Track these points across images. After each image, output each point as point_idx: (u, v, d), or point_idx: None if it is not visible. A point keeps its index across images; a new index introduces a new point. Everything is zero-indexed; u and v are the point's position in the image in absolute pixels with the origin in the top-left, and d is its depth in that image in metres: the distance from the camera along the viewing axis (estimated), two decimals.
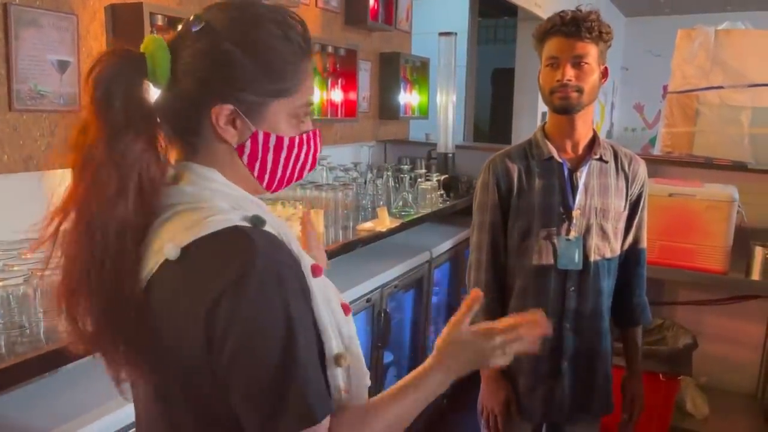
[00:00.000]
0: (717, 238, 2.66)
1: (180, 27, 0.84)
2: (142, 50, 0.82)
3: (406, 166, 3.09)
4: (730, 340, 2.93)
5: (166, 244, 0.78)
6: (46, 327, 1.36)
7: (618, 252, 1.74)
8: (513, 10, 6.34)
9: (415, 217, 2.79)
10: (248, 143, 0.85)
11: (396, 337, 2.79)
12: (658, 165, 3.17)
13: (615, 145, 1.78)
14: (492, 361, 0.98)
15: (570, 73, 1.58)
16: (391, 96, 3.36)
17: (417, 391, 0.90)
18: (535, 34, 1.66)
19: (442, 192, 3.12)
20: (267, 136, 0.85)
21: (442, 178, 3.12)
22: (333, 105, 2.87)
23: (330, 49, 2.79)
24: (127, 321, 0.80)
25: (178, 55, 0.82)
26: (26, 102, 1.62)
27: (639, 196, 1.77)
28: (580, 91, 1.59)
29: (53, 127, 1.70)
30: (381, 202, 2.81)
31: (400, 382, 0.92)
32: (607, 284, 1.74)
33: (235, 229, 0.79)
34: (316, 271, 0.84)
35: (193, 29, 0.82)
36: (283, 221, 0.90)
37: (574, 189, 1.69)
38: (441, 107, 3.34)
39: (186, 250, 0.78)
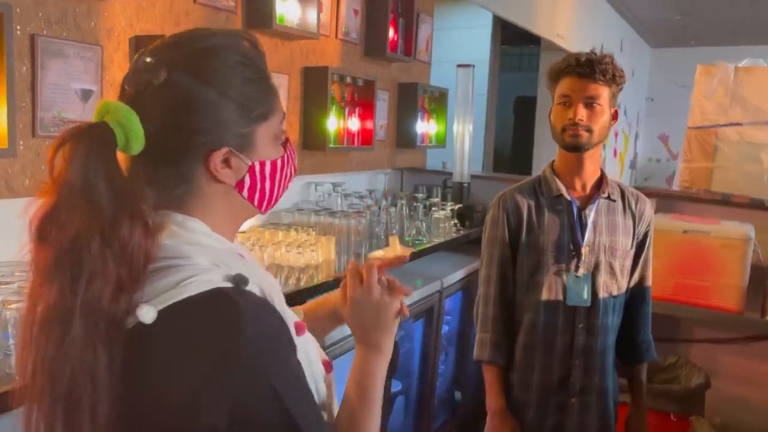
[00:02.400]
0: (732, 277, 2.64)
1: (132, 80, 0.79)
2: (102, 119, 0.75)
3: (420, 195, 3.11)
4: (746, 380, 2.88)
5: (141, 305, 0.71)
6: None
7: (624, 289, 1.78)
8: (537, 39, 6.40)
9: (426, 246, 2.81)
10: (247, 177, 0.83)
11: (405, 366, 2.79)
12: (675, 201, 3.16)
13: (622, 185, 1.83)
14: (388, 311, 0.96)
15: (582, 112, 1.63)
16: (408, 125, 3.40)
17: (375, 392, 0.93)
18: (549, 72, 1.72)
19: (456, 221, 3.13)
20: (262, 165, 0.84)
21: (456, 207, 3.14)
22: (350, 133, 2.91)
23: (348, 80, 2.84)
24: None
25: (147, 114, 0.75)
26: (49, 129, 1.69)
27: (645, 235, 1.81)
28: (590, 130, 1.65)
29: None
30: (394, 231, 2.84)
31: (354, 395, 0.92)
32: (614, 321, 1.78)
33: (217, 293, 0.73)
34: (299, 329, 0.84)
35: (155, 82, 0.77)
36: (266, 274, 0.88)
37: (582, 226, 1.72)
38: (457, 137, 3.37)
39: (163, 314, 0.71)
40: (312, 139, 2.69)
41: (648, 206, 1.82)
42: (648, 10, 8.61)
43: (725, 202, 3.03)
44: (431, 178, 3.66)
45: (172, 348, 0.71)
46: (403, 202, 3.00)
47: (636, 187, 3.30)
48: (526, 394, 1.77)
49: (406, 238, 2.88)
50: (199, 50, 0.80)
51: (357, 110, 2.94)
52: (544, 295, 1.72)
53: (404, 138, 3.41)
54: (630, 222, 1.78)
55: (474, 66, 3.36)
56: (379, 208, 2.87)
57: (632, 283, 1.82)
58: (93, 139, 0.72)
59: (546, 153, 6.91)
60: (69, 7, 1.71)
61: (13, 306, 1.38)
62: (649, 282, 1.86)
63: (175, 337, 0.71)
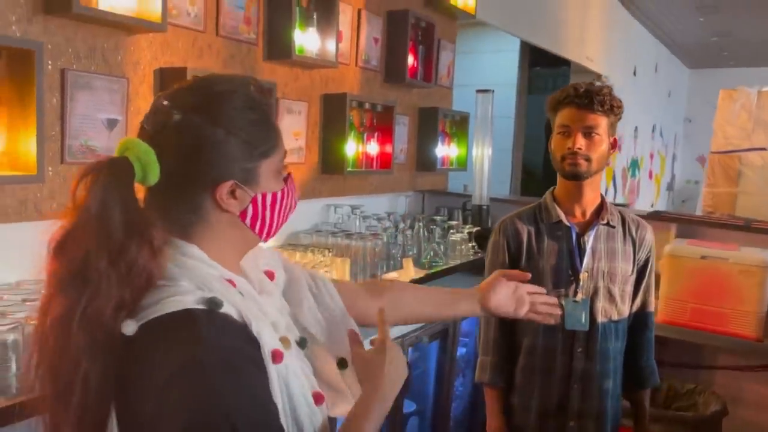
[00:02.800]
0: (750, 304, 2.61)
1: (151, 120, 0.88)
2: (123, 154, 0.85)
3: (439, 217, 3.17)
4: (765, 407, 2.83)
5: (126, 320, 0.80)
6: None
7: (626, 314, 1.81)
8: (568, 61, 6.43)
9: (442, 268, 2.85)
10: (250, 208, 0.91)
11: (420, 387, 2.83)
12: (696, 226, 3.14)
13: (623, 211, 1.86)
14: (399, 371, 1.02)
15: (580, 142, 1.68)
16: (428, 148, 3.47)
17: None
18: (549, 102, 1.77)
19: (474, 244, 3.17)
20: (264, 196, 0.92)
21: (474, 230, 3.18)
22: (368, 157, 3.00)
23: (367, 105, 2.93)
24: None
25: (163, 151, 0.85)
26: (77, 155, 1.81)
27: (646, 261, 1.84)
28: (588, 159, 1.69)
29: None
30: (410, 253, 2.89)
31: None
32: (615, 346, 1.79)
33: (183, 313, 0.80)
34: (275, 357, 0.86)
35: (171, 122, 0.86)
36: (253, 301, 0.91)
37: (581, 252, 1.76)
38: (476, 160, 3.43)
39: (142, 328, 0.79)
40: (330, 163, 2.78)
41: (649, 232, 1.84)
42: (683, 33, 8.55)
43: (747, 228, 3.00)
44: (453, 200, 3.71)
45: (143, 360, 0.79)
46: (421, 224, 3.06)
47: (654, 213, 3.30)
48: (525, 417, 1.81)
49: (423, 260, 2.93)
50: (211, 95, 0.89)
51: (376, 135, 3.02)
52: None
53: (424, 161, 3.48)
54: (630, 248, 1.81)
55: (493, 91, 3.42)
56: (396, 230, 2.94)
57: (634, 309, 1.85)
58: (113, 170, 0.83)
59: None
60: (97, 43, 1.84)
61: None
62: (652, 308, 1.88)
63: (145, 350, 0.79)
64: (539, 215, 1.82)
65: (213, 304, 0.82)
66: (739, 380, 2.84)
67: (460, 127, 3.76)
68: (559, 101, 1.73)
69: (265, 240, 0.97)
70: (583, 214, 1.80)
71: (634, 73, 8.10)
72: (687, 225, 3.11)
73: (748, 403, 2.79)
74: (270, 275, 1.07)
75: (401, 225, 3.05)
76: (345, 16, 2.84)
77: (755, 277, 2.59)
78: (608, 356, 1.77)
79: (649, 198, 9.89)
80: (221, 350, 0.79)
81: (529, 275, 1.37)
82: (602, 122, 1.69)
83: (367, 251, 2.68)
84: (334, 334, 1.10)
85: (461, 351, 3.01)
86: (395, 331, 2.44)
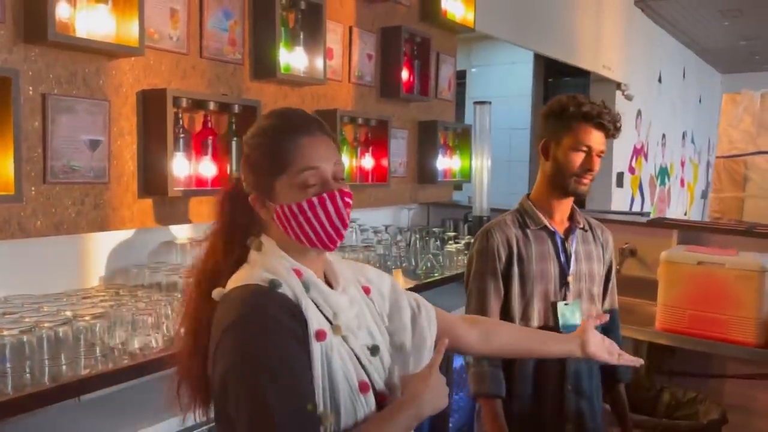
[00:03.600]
0: (749, 309, 2.55)
1: None
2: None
3: (437, 228, 3.19)
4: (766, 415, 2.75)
5: (217, 288, 1.10)
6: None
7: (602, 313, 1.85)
8: (586, 72, 6.38)
9: (437, 278, 2.87)
10: (275, 217, 1.12)
11: None
12: (699, 232, 3.09)
13: (586, 216, 1.92)
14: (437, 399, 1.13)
15: (596, 163, 1.73)
16: (428, 161, 3.50)
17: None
18: (561, 111, 1.75)
19: None
20: (282, 207, 1.10)
21: (472, 240, 3.18)
22: (363, 171, 3.04)
23: (360, 121, 2.98)
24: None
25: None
26: (59, 176, 1.90)
27: (610, 262, 1.92)
28: (593, 179, 1.76)
29: (83, 196, 1.98)
30: (404, 264, 2.92)
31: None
32: None
33: (248, 287, 1.06)
34: (318, 335, 1.04)
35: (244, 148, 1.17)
36: (318, 291, 1.11)
37: (568, 256, 1.81)
38: (476, 172, 3.44)
39: (224, 296, 1.08)
40: None
41: (610, 236, 1.93)
42: (709, 38, 8.39)
43: (749, 232, 2.93)
44: (459, 212, 3.73)
45: (217, 315, 1.07)
46: (417, 236, 3.09)
47: (656, 219, 3.25)
48: (524, 424, 1.80)
49: (418, 272, 2.95)
50: (257, 123, 1.18)
51: (371, 149, 3.07)
52: (535, 324, 1.77)
53: (425, 174, 3.51)
54: (600, 250, 1.88)
55: (490, 103, 3.44)
56: (390, 243, 2.97)
57: (605, 307, 1.91)
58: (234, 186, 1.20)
59: (600, 180, 6.75)
60: (78, 69, 1.94)
61: (14, 332, 1.56)
62: (617, 306, 1.97)
63: (220, 309, 1.07)
64: (522, 221, 1.83)
65: (274, 283, 1.05)
66: (741, 388, 2.77)
67: (462, 139, 3.78)
68: (580, 116, 1.70)
69: (312, 245, 1.11)
70: (562, 219, 1.84)
71: (660, 80, 7.97)
72: (689, 232, 3.06)
73: (750, 411, 2.72)
74: (366, 290, 1.25)
75: (398, 237, 3.08)
76: (335, 35, 2.91)
77: (753, 282, 2.53)
78: None
79: (682, 207, 9.66)
80: (264, 316, 1.01)
81: (608, 317, 1.58)
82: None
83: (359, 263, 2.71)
84: (417, 350, 1.26)
85: (458, 361, 3.00)
86: None
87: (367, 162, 3.06)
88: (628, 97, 6.71)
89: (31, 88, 1.83)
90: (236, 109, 2.36)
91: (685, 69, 9.13)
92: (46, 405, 1.53)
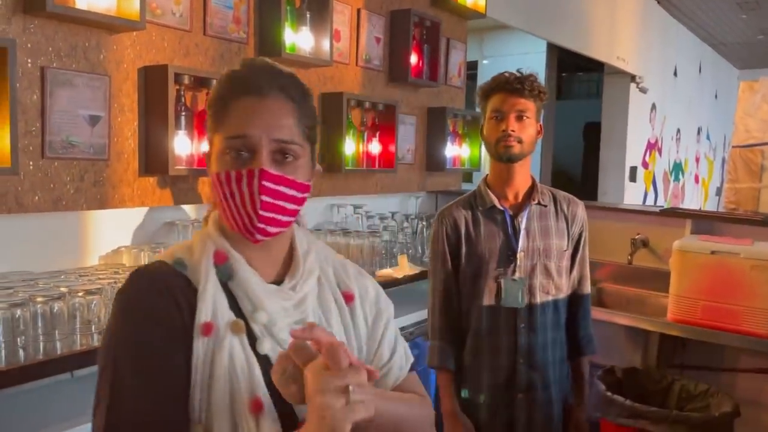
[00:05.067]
0: (764, 300, 2.48)
1: None
2: None
3: None
4: None
5: None
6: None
7: (564, 288, 1.91)
8: (600, 65, 6.30)
9: None
10: (211, 185, 0.95)
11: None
12: (714, 222, 3.01)
13: (554, 191, 1.96)
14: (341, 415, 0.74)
15: (513, 124, 1.78)
16: (437, 148, 3.45)
17: None
18: (480, 91, 1.87)
19: None
20: (211, 175, 0.93)
21: None
22: (370, 156, 2.99)
23: (367, 105, 2.93)
24: None
25: None
26: (58, 151, 1.87)
27: (580, 236, 1.94)
28: (521, 141, 1.79)
29: (83, 173, 1.94)
30: (410, 251, 2.87)
31: None
32: (556, 318, 1.90)
33: (153, 262, 0.94)
34: (204, 329, 0.86)
35: None
36: (239, 281, 0.92)
37: (516, 233, 1.85)
38: (485, 160, 3.38)
39: None
40: (329, 161, 2.79)
41: (580, 209, 1.94)
42: (726, 32, 8.26)
43: (765, 222, 2.85)
44: None
45: None
46: (424, 223, 3.04)
47: (669, 209, 3.18)
48: (476, 395, 1.88)
49: (425, 259, 2.90)
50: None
51: (378, 134, 3.02)
52: (486, 301, 1.85)
53: (433, 161, 3.46)
54: (563, 224, 1.90)
55: None
56: (396, 229, 2.92)
57: (572, 281, 1.94)
58: None
59: (613, 174, 6.73)
60: (78, 42, 1.90)
61: (4, 305, 1.53)
62: (587, 280, 1.97)
63: None
64: (474, 202, 1.90)
65: (176, 263, 0.93)
66: (755, 381, 2.69)
67: (471, 127, 3.72)
68: (491, 88, 1.83)
69: (235, 229, 0.92)
70: (516, 196, 1.88)
71: (675, 74, 7.86)
72: (703, 221, 2.98)
73: (764, 405, 2.65)
74: (348, 297, 1.03)
75: (404, 224, 3.03)
76: (343, 16, 2.86)
77: None
78: (549, 328, 1.86)
79: (696, 204, 9.54)
80: (135, 299, 0.88)
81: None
82: (531, 107, 1.79)
83: (365, 249, 2.68)
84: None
85: None
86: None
87: (374, 147, 3.02)
88: (643, 90, 6.62)
89: (29, 60, 1.79)
90: None
91: (701, 63, 9.00)
92: (39, 378, 1.50)
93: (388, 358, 1.04)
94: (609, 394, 2.36)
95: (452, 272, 1.89)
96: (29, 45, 1.79)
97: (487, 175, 1.94)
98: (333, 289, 1.03)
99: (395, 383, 1.04)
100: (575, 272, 1.94)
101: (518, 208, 1.87)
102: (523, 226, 1.85)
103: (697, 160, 9.42)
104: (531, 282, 1.84)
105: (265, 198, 0.88)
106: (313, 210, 2.93)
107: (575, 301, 1.95)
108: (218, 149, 0.91)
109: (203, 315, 0.87)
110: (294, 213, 0.94)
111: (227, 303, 0.90)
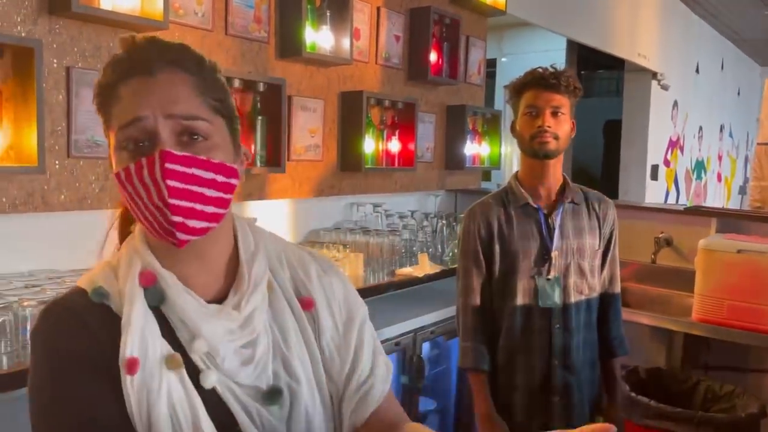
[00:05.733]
0: None
1: None
2: None
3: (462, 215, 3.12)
4: None
5: None
6: None
7: (597, 287, 1.88)
8: (621, 63, 6.23)
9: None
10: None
11: (441, 385, 2.79)
12: (739, 221, 2.97)
13: (584, 189, 1.92)
14: None
15: (550, 120, 1.74)
16: (456, 147, 3.43)
17: None
18: (512, 87, 1.83)
19: None
20: (112, 174, 0.79)
21: None
22: (389, 155, 2.99)
23: (387, 103, 2.92)
24: None
25: None
26: (83, 150, 1.89)
27: (611, 235, 1.91)
28: (557, 138, 1.75)
29: (107, 172, 1.96)
30: (430, 250, 2.86)
31: None
32: (589, 318, 1.87)
33: (69, 291, 0.83)
34: (128, 366, 0.75)
35: None
36: (172, 305, 0.80)
37: (551, 232, 1.81)
38: (506, 158, 3.36)
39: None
40: (348, 160, 2.79)
41: (611, 208, 1.90)
42: (749, 28, 8.12)
43: None
44: None
45: None
46: (443, 222, 3.03)
47: (693, 208, 3.14)
48: (511, 397, 1.84)
49: (445, 257, 2.89)
50: None
51: (397, 132, 3.01)
52: (519, 300, 1.80)
53: (453, 160, 3.44)
54: (595, 223, 1.87)
55: None
56: (416, 228, 2.92)
57: (603, 281, 1.90)
58: None
59: (634, 173, 6.65)
60: (102, 42, 1.92)
61: (34, 303, 1.55)
62: (618, 280, 1.94)
63: None
64: (506, 199, 1.86)
65: (95, 293, 0.80)
66: None
67: (491, 125, 3.70)
68: (525, 84, 1.79)
69: (153, 235, 0.79)
70: (549, 194, 1.84)
71: (697, 71, 7.75)
72: (728, 220, 2.94)
73: None
74: (307, 303, 0.89)
75: (424, 223, 3.03)
76: (362, 14, 2.85)
77: None
78: (582, 329, 1.83)
79: (719, 202, 9.40)
80: (49, 340, 0.78)
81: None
82: (566, 103, 1.75)
83: (384, 248, 2.67)
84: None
85: None
86: (407, 326, 2.41)
87: (394, 146, 3.01)
88: (664, 87, 6.54)
89: (55, 60, 1.82)
90: (261, 87, 2.33)
91: (724, 60, 8.87)
92: None
93: (369, 372, 0.90)
94: (633, 394, 2.34)
95: (484, 270, 1.85)
96: (55, 45, 1.81)
97: (517, 171, 1.90)
98: (289, 297, 0.88)
99: (379, 400, 0.89)
100: (606, 272, 1.90)
101: (551, 207, 1.83)
102: (557, 224, 1.81)
103: (720, 158, 9.29)
104: (565, 282, 1.80)
105: (171, 183, 0.73)
106: (333, 208, 2.93)
107: (606, 301, 1.91)
108: (113, 145, 0.78)
109: (128, 349, 0.75)
110: (221, 203, 0.78)
111: (159, 332, 0.78)
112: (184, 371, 0.77)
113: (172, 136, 0.76)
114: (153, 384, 0.75)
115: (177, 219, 0.74)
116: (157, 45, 0.80)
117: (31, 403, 0.76)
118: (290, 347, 0.85)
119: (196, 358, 0.78)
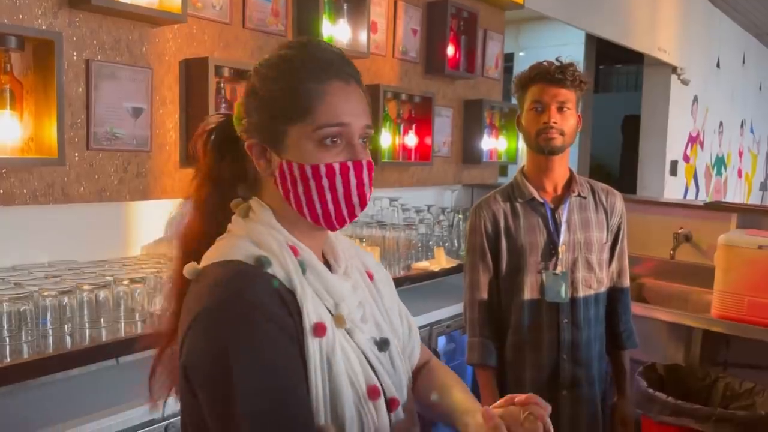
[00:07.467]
0: None
1: None
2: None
3: None
4: None
5: (190, 264, 0.87)
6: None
7: (605, 281, 1.86)
8: (640, 57, 6.17)
9: None
10: (277, 174, 0.87)
11: None
12: (760, 216, 2.92)
13: (591, 182, 1.90)
14: None
15: (555, 116, 1.71)
16: (473, 141, 3.42)
17: None
18: (517, 81, 1.81)
19: None
20: (290, 165, 0.85)
21: None
22: (406, 149, 2.98)
23: (404, 97, 2.92)
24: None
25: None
26: (102, 142, 1.91)
27: (619, 227, 1.89)
28: (563, 133, 1.73)
29: (126, 164, 1.98)
30: (446, 244, 2.86)
31: None
32: (598, 312, 1.85)
33: (228, 264, 0.84)
34: (316, 329, 0.83)
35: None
36: (316, 275, 0.88)
37: (558, 226, 1.80)
38: (522, 153, 3.34)
39: (199, 273, 0.85)
40: None
41: (619, 199, 1.88)
42: None
43: None
44: None
45: (189, 297, 0.86)
46: (460, 216, 3.02)
47: (714, 203, 3.09)
48: (519, 392, 1.79)
49: (461, 252, 2.88)
50: (276, 51, 0.91)
51: (414, 126, 3.00)
52: (527, 295, 1.79)
53: (470, 154, 3.43)
54: (603, 216, 1.85)
55: None
56: (433, 222, 2.91)
57: (611, 274, 1.89)
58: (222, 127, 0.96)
59: (652, 168, 6.59)
60: (121, 35, 1.94)
61: (54, 293, 1.57)
62: (627, 273, 1.92)
63: (193, 291, 0.86)
64: (512, 194, 1.84)
65: (260, 261, 0.84)
66: None
67: (509, 119, 3.67)
68: (530, 78, 1.76)
69: (313, 221, 0.88)
70: (555, 188, 1.82)
71: (718, 65, 7.65)
72: (748, 215, 2.90)
73: None
74: (370, 276, 1.03)
75: (440, 217, 3.02)
76: (380, 8, 2.85)
77: None
78: (592, 323, 1.82)
79: (739, 198, 9.28)
80: (246, 304, 0.80)
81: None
82: (572, 97, 1.72)
83: (401, 242, 2.67)
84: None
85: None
86: (423, 320, 2.41)
87: (410, 140, 3.00)
88: (684, 82, 6.46)
89: (75, 53, 1.83)
90: None
91: (745, 54, 8.73)
92: (86, 364, 1.54)
93: (408, 326, 1.09)
94: (651, 391, 2.31)
95: (491, 265, 1.84)
96: (75, 38, 1.83)
97: (523, 166, 1.88)
98: (359, 267, 1.02)
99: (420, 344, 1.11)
100: (614, 265, 1.89)
101: (558, 201, 1.82)
102: (564, 218, 1.79)
103: (740, 153, 9.16)
104: (573, 276, 1.79)
105: (372, 189, 0.91)
106: None
107: (615, 294, 1.90)
108: (307, 134, 0.85)
109: (313, 316, 0.84)
110: None
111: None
112: (345, 328, 0.89)
113: (361, 143, 0.88)
114: (331, 342, 0.85)
115: (358, 213, 0.90)
116: (342, 55, 0.92)
117: (229, 374, 0.76)
118: (374, 308, 0.99)
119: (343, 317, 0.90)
